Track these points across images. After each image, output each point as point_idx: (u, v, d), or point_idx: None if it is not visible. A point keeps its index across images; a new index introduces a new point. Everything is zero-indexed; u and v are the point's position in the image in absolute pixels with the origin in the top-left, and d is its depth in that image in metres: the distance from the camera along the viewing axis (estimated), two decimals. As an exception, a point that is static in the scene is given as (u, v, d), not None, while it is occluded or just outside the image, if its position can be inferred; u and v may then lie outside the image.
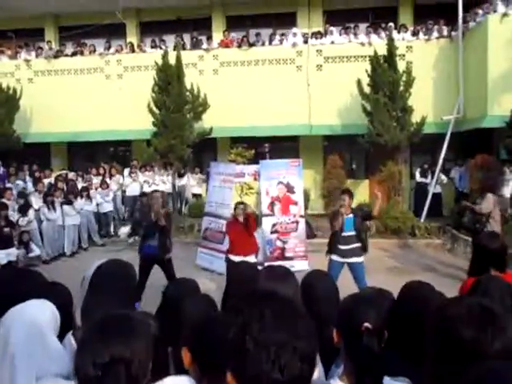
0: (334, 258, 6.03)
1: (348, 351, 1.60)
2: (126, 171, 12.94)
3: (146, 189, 12.41)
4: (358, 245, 5.97)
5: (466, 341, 1.14)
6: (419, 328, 1.72)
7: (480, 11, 11.98)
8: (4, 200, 9.15)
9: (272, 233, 8.68)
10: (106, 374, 1.16)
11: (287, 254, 8.66)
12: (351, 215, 5.97)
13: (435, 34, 13.13)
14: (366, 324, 1.56)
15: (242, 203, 6.84)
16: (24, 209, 9.34)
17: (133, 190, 12.49)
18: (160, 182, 12.70)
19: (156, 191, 7.10)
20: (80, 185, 11.64)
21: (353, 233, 5.94)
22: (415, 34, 13.33)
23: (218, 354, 1.40)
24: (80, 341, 1.23)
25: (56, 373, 1.43)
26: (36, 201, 9.90)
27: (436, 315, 1.27)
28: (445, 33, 13.11)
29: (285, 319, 0.99)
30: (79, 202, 10.59)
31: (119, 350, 1.18)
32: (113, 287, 1.89)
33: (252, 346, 0.95)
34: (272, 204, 8.83)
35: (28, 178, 12.20)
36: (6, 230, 8.10)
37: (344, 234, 5.92)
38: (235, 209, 6.71)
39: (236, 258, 6.07)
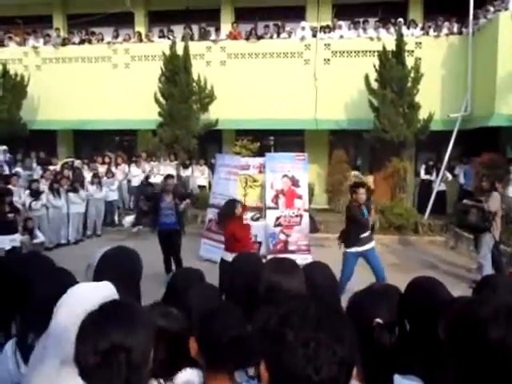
0: (350, 250, 6.28)
1: (358, 348, 1.59)
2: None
3: (151, 178, 12.46)
4: (369, 232, 6.33)
5: (494, 342, 1.11)
6: (428, 324, 1.72)
7: (491, 8, 11.85)
8: (10, 186, 9.19)
9: (275, 226, 8.70)
10: (107, 361, 1.15)
11: (290, 248, 8.68)
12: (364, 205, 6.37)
13: (445, 31, 13.02)
14: (378, 320, 1.55)
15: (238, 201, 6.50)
16: (37, 193, 9.46)
17: (139, 179, 12.55)
18: (165, 171, 12.71)
19: (170, 177, 7.67)
20: (85, 173, 11.70)
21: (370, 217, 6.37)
22: (425, 29, 13.22)
23: (222, 345, 1.43)
24: (80, 328, 1.22)
25: None
26: (43, 188, 9.95)
27: (460, 315, 1.25)
28: (455, 29, 13.00)
29: (329, 321, 0.98)
30: (90, 189, 10.70)
31: (120, 338, 1.17)
32: (118, 274, 1.90)
33: (292, 338, 0.94)
34: (276, 197, 8.84)
35: (35, 165, 12.25)
36: (10, 215, 8.11)
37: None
38: (236, 207, 6.13)
39: None
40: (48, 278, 1.81)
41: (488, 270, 6.95)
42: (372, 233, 6.49)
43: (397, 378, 1.50)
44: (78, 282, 1.94)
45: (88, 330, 1.20)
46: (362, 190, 6.25)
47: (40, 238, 9.26)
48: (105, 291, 1.44)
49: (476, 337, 1.14)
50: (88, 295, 1.38)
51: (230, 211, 5.93)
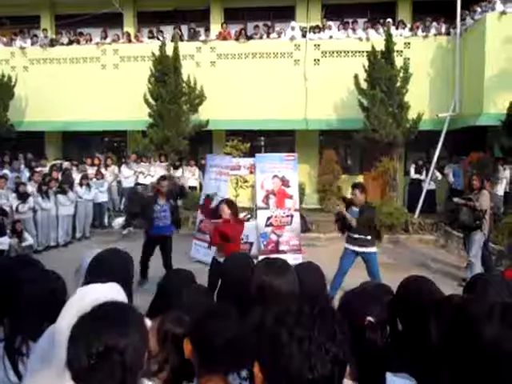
0: (347, 245, 6.30)
1: (350, 346, 1.59)
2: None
3: (141, 179, 12.38)
4: (368, 237, 6.18)
5: (488, 341, 1.11)
6: (420, 323, 1.72)
7: (478, 9, 12.00)
8: (-3, 188, 9.08)
9: (266, 226, 8.69)
10: (101, 363, 1.13)
11: (281, 248, 8.68)
12: (357, 209, 6.25)
13: (433, 31, 13.14)
14: (369, 318, 1.56)
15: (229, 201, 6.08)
16: (24, 196, 9.34)
17: (130, 181, 12.50)
18: (155, 172, 12.65)
19: (164, 178, 7.48)
20: (75, 174, 11.59)
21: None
22: (413, 30, 13.32)
23: (216, 347, 1.42)
24: (72, 331, 1.20)
25: None
26: (31, 190, 9.84)
27: (454, 313, 1.25)
28: (443, 30, 13.12)
29: (323, 320, 0.99)
30: (79, 191, 10.60)
31: (113, 339, 1.15)
32: (111, 275, 1.89)
33: (286, 338, 0.94)
34: (267, 197, 8.84)
35: (23, 167, 12.11)
36: (-3, 218, 8.03)
37: (351, 222, 6.17)
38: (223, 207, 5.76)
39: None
40: (35, 282, 1.79)
41: (478, 268, 7.01)
42: (377, 237, 6.37)
43: (389, 376, 1.50)
44: (65, 285, 1.91)
45: (81, 332, 1.18)
46: (355, 191, 6.25)
47: (29, 240, 9.15)
48: (112, 292, 1.42)
49: (469, 336, 1.13)
50: (96, 296, 1.35)
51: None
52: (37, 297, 1.68)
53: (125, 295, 1.48)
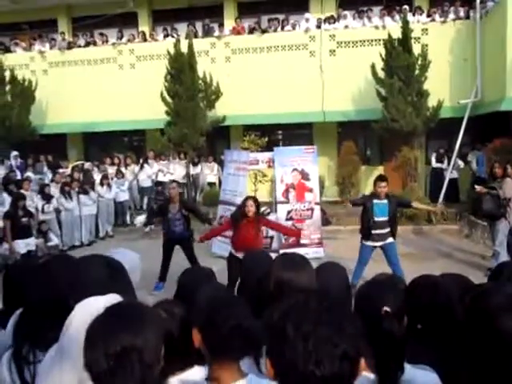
0: (367, 243, 6.20)
1: (368, 337, 1.59)
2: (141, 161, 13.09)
3: (161, 178, 12.51)
4: (387, 230, 6.12)
5: (506, 332, 1.09)
6: (434, 314, 1.70)
7: (498, -9, 11.63)
8: (22, 190, 9.30)
9: (287, 220, 8.67)
10: (119, 364, 1.14)
11: (302, 241, 8.65)
12: (385, 201, 6.09)
13: (451, 16, 12.81)
14: (386, 308, 1.55)
15: (253, 198, 6.13)
16: (48, 197, 9.58)
17: (145, 180, 12.68)
18: (174, 170, 12.78)
19: (174, 181, 7.45)
20: (96, 175, 11.78)
21: (385, 218, 6.07)
22: (431, 15, 13.02)
23: (224, 334, 1.43)
24: (87, 334, 1.20)
25: None
26: (53, 191, 10.06)
27: (473, 304, 1.23)
28: (461, 14, 12.77)
29: (330, 314, 0.97)
30: (100, 191, 10.80)
31: (129, 339, 1.15)
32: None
33: (292, 333, 0.93)
34: (287, 191, 8.82)
35: (45, 168, 12.37)
36: (25, 219, 8.23)
37: (376, 219, 6.06)
38: (245, 206, 5.73)
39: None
40: (42, 287, 1.74)
41: (504, 257, 6.85)
42: (393, 236, 6.22)
43: (408, 367, 1.50)
44: (74, 290, 1.90)
45: (96, 334, 1.18)
46: (382, 184, 6.06)
47: (54, 240, 9.38)
48: (113, 302, 1.40)
49: (488, 326, 1.12)
50: (99, 305, 1.34)
51: (240, 212, 5.75)
52: (45, 303, 1.67)
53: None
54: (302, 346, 0.91)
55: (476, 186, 7.48)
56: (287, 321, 0.95)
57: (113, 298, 1.38)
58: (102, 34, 15.16)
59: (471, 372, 1.15)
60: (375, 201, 6.11)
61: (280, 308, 1.00)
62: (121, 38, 14.87)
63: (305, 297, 1.01)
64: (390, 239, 6.16)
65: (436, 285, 1.87)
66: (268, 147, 10.84)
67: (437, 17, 12.91)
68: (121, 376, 1.14)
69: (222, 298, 1.61)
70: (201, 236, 6.40)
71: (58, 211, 9.89)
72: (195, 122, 12.35)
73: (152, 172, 12.79)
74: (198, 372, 1.61)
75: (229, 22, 14.72)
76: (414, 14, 13.06)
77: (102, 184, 10.98)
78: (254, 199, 5.88)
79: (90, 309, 1.31)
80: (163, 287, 6.69)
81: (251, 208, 5.62)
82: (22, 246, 8.12)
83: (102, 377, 1.14)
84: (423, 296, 1.79)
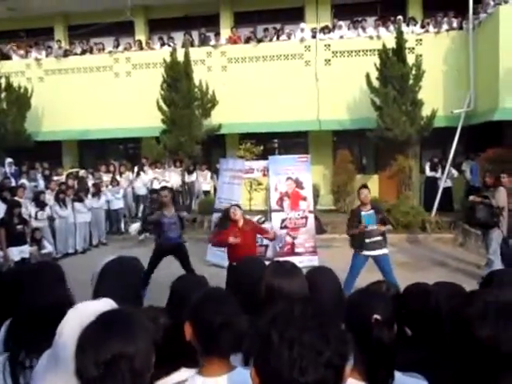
0: (361, 252, 6.19)
1: (358, 345, 1.60)
2: (135, 169, 13.06)
3: (156, 185, 12.48)
4: (380, 238, 6.12)
5: (484, 340, 1.10)
6: (425, 321, 1.71)
7: (491, 2, 11.80)
8: (16, 198, 9.26)
9: (281, 228, 8.68)
10: (109, 371, 1.14)
11: (297, 250, 8.66)
12: (371, 211, 6.17)
13: (445, 27, 12.98)
14: (376, 316, 1.56)
15: (238, 206, 6.19)
16: (41, 204, 9.55)
17: (140, 187, 12.65)
18: (170, 178, 12.77)
19: (164, 188, 7.32)
20: (90, 182, 11.75)
21: (375, 226, 6.09)
22: (425, 26, 13.18)
23: (214, 330, 1.46)
24: (79, 341, 1.21)
25: None
26: (48, 199, 10.02)
27: (453, 314, 1.24)
28: (455, 25, 12.95)
29: (315, 322, 0.96)
30: (89, 200, 10.72)
31: (120, 347, 1.16)
32: (119, 284, 1.91)
33: (277, 340, 0.93)
34: (281, 199, 8.83)
35: (39, 176, 12.33)
36: (19, 227, 8.20)
37: (368, 228, 6.08)
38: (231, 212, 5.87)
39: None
40: (36, 293, 1.76)
41: (498, 265, 6.88)
42: (384, 240, 6.23)
43: (398, 375, 1.50)
44: (69, 295, 1.91)
45: (87, 341, 1.19)
46: (363, 191, 6.19)
47: (48, 248, 9.32)
48: (106, 307, 1.41)
49: (466, 334, 1.12)
50: (90, 312, 1.34)
51: (224, 217, 5.86)
52: (41, 309, 1.68)
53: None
54: (287, 354, 0.91)
55: (470, 197, 7.53)
56: (272, 328, 0.95)
57: (105, 304, 1.39)
58: (98, 43, 15.20)
59: (457, 379, 1.16)
60: (363, 212, 6.17)
61: (266, 316, 1.00)
62: (117, 46, 14.93)
63: (290, 304, 1.01)
64: (385, 250, 6.15)
65: (427, 293, 1.90)
66: (264, 156, 10.88)
67: (430, 27, 13.08)
68: (111, 383, 1.14)
69: (213, 293, 1.64)
70: (211, 238, 6.35)
71: (51, 219, 9.84)
72: (191, 130, 12.38)
73: (148, 180, 12.78)
74: (184, 374, 1.63)
75: (225, 32, 14.83)
76: (408, 25, 13.21)
77: (92, 194, 10.88)
78: (238, 206, 6.07)
79: (81, 314, 1.32)
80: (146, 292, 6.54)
81: (236, 211, 5.79)
82: (16, 253, 8.08)
83: (92, 383, 1.14)
84: (414, 303, 1.81)
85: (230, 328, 1.47)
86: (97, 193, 10.94)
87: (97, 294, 1.88)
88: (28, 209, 9.38)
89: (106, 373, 1.14)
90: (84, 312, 1.34)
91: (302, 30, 13.78)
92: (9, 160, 12.53)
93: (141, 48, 14.81)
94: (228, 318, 1.48)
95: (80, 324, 1.27)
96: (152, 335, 1.29)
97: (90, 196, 10.79)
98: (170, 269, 6.99)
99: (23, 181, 11.57)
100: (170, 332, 1.68)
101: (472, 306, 1.17)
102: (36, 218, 9.31)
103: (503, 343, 1.07)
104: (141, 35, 15.60)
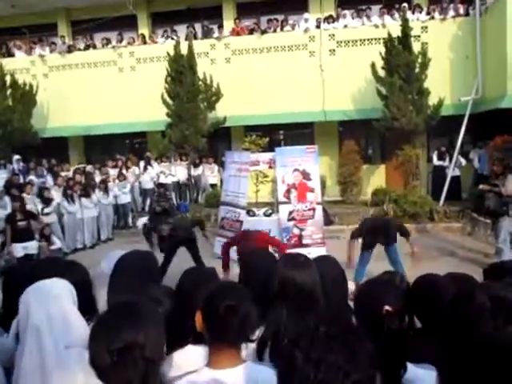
0: (368, 250, 6.24)
1: (369, 335, 1.58)
2: (142, 163, 13.06)
3: (162, 179, 12.51)
4: None
5: (482, 337, 1.07)
6: (435, 313, 1.69)
7: (498, -13, 11.60)
8: (24, 194, 9.31)
9: (289, 220, 8.66)
10: (122, 359, 1.18)
11: (304, 241, 8.63)
12: None
13: (451, 13, 12.79)
14: (387, 307, 1.56)
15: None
16: (47, 200, 9.57)
17: (147, 182, 12.67)
18: (176, 172, 12.78)
19: (161, 185, 7.51)
20: (97, 177, 11.78)
21: None
22: (430, 13, 13.00)
23: (220, 316, 1.47)
24: (91, 330, 1.25)
25: (83, 345, 1.45)
26: (55, 195, 10.06)
27: (451, 311, 1.22)
28: (461, 11, 12.76)
29: (340, 341, 0.93)
30: (97, 195, 10.76)
31: (131, 335, 1.19)
32: (133, 277, 1.92)
33: (301, 361, 0.89)
34: (288, 191, 8.79)
35: (46, 172, 12.39)
36: (22, 223, 8.14)
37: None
38: None
39: None
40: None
41: (507, 254, 6.83)
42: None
43: (410, 366, 1.50)
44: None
45: (100, 331, 1.23)
46: None
47: (57, 244, 9.36)
48: (64, 282, 1.65)
49: (466, 330, 1.09)
50: (53, 285, 1.59)
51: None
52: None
53: (70, 288, 1.65)
54: (313, 375, 0.87)
55: (480, 186, 7.46)
56: (296, 347, 0.92)
57: (56, 281, 1.61)
58: (101, 37, 15.17)
59: (464, 371, 1.14)
60: None
61: (288, 336, 0.98)
62: (121, 40, 14.88)
63: (314, 323, 0.97)
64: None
65: (436, 284, 1.88)
66: (269, 147, 10.84)
67: (436, 14, 12.90)
68: (123, 372, 1.18)
69: (222, 282, 1.71)
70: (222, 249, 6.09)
71: (60, 214, 9.89)
72: (196, 124, 12.36)
73: (154, 173, 12.80)
74: (192, 351, 1.66)
75: (228, 23, 14.73)
76: (413, 12, 13.04)
77: (99, 188, 10.93)
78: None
79: (39, 291, 1.53)
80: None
81: None
82: (20, 249, 7.99)
83: (106, 371, 1.18)
84: (423, 295, 1.80)
85: (234, 311, 1.47)
86: (105, 189, 10.98)
87: (113, 288, 1.90)
88: (36, 205, 9.43)
89: (119, 360, 1.17)
90: (40, 290, 1.58)
91: (306, 20, 13.65)
92: (16, 157, 12.59)
93: (144, 42, 14.77)
94: (232, 302, 1.49)
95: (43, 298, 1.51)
96: (164, 325, 1.32)
97: (97, 191, 10.83)
98: (179, 261, 7.06)
99: (31, 177, 11.63)
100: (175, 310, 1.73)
101: (474, 301, 1.13)
102: (42, 214, 9.33)
103: (503, 342, 1.03)
104: (144, 29, 15.54)
